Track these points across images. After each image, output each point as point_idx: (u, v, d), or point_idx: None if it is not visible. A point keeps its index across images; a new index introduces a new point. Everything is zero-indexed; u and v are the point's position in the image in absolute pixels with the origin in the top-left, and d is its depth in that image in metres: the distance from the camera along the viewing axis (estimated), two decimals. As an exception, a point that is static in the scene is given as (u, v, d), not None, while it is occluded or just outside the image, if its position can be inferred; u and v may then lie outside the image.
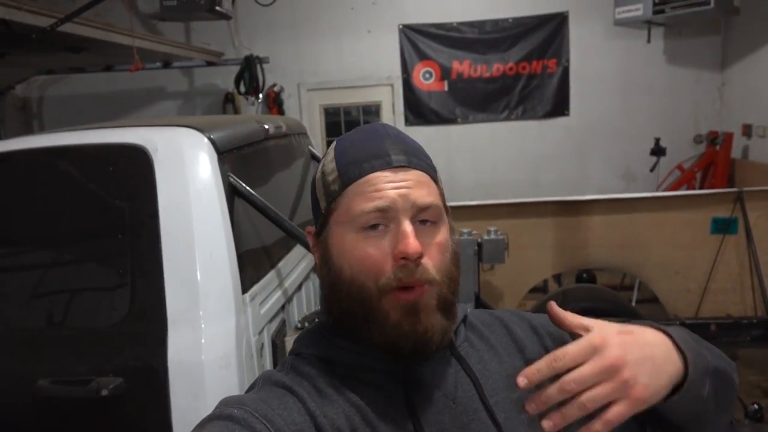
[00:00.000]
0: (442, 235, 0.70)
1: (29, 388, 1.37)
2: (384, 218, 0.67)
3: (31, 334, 1.47)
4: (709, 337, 2.56)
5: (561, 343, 0.75)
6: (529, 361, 0.75)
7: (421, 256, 0.66)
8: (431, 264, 0.67)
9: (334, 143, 0.76)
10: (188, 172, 1.47)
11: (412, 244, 0.65)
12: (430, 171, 0.72)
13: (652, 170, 4.79)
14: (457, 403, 0.71)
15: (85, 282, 1.49)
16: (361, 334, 0.69)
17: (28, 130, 5.26)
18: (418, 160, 0.71)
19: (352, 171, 0.70)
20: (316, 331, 0.76)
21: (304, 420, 0.64)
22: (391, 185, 0.68)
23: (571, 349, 0.59)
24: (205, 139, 1.52)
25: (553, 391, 0.58)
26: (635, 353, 0.60)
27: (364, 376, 0.70)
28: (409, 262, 0.65)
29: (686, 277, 3.32)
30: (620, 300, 3.12)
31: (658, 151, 4.72)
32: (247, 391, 0.71)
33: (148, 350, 1.38)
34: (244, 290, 1.49)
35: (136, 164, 1.47)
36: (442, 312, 0.68)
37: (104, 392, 1.34)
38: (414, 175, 0.69)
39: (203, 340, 1.38)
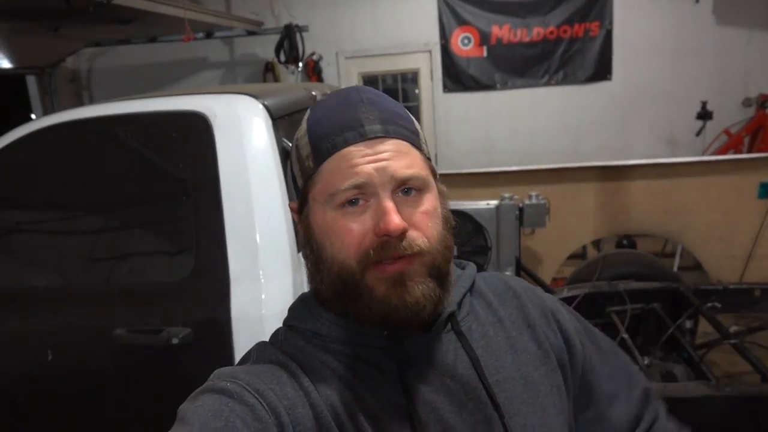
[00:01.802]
0: (429, 202, 0.66)
1: (107, 336, 1.50)
2: (362, 194, 0.64)
3: (107, 289, 1.59)
4: (752, 303, 2.55)
5: (565, 336, 0.77)
6: (537, 340, 0.75)
7: (404, 232, 0.63)
8: (418, 234, 0.65)
9: (308, 112, 0.71)
10: (245, 137, 1.55)
11: (394, 221, 0.62)
12: (410, 137, 0.68)
13: (698, 135, 4.68)
14: (455, 380, 0.68)
15: (154, 241, 1.60)
16: (349, 312, 0.67)
17: (78, 102, 5.45)
18: (395, 127, 0.67)
19: (324, 146, 0.66)
20: (309, 303, 0.73)
21: (297, 395, 0.63)
22: (367, 159, 0.64)
23: None
24: (260, 106, 1.59)
25: None
26: None
27: (357, 352, 0.68)
28: (391, 238, 0.63)
29: (731, 243, 3.28)
30: (662, 266, 3.11)
31: (704, 115, 4.60)
32: (240, 364, 0.70)
33: (212, 304, 1.49)
34: (299, 249, 1.57)
35: (197, 130, 1.56)
36: (433, 279, 0.65)
37: (174, 341, 1.46)
38: (391, 145, 0.65)
39: (263, 296, 1.48)
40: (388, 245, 0.63)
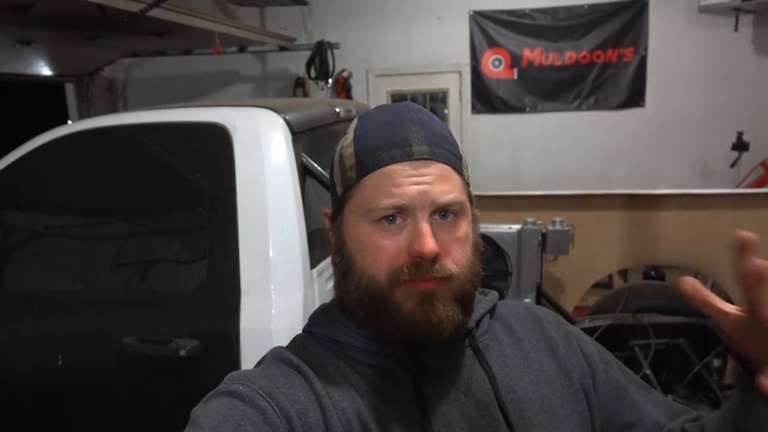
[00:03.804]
0: (463, 229, 0.67)
1: (116, 344, 1.50)
2: (401, 213, 0.65)
3: (118, 297, 1.59)
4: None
5: (589, 362, 0.76)
6: (559, 362, 0.74)
7: (437, 256, 0.63)
8: (450, 260, 0.65)
9: (356, 122, 0.71)
10: (264, 151, 1.54)
11: (428, 244, 0.62)
12: (454, 161, 0.68)
13: (732, 166, 4.54)
14: (469, 396, 0.68)
15: (167, 251, 1.60)
16: (373, 325, 0.67)
17: (113, 110, 5.58)
18: (441, 150, 0.67)
19: (370, 160, 0.66)
20: (330, 311, 0.74)
21: (309, 400, 0.63)
22: (411, 180, 0.64)
23: None
24: (281, 120, 1.59)
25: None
26: None
27: (374, 361, 0.68)
28: (423, 261, 0.63)
29: (764, 279, 3.15)
30: (690, 299, 2.99)
31: (740, 146, 4.46)
32: (256, 366, 0.70)
33: (222, 316, 1.48)
34: (312, 266, 1.56)
35: (217, 141, 1.56)
36: (459, 305, 0.66)
37: (182, 352, 1.44)
38: (435, 169, 0.65)
39: (273, 311, 1.46)
40: (420, 266, 0.63)
